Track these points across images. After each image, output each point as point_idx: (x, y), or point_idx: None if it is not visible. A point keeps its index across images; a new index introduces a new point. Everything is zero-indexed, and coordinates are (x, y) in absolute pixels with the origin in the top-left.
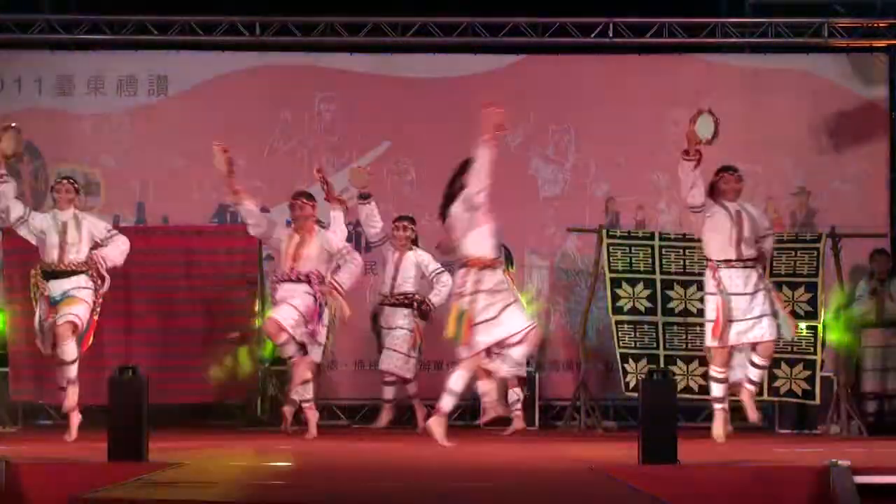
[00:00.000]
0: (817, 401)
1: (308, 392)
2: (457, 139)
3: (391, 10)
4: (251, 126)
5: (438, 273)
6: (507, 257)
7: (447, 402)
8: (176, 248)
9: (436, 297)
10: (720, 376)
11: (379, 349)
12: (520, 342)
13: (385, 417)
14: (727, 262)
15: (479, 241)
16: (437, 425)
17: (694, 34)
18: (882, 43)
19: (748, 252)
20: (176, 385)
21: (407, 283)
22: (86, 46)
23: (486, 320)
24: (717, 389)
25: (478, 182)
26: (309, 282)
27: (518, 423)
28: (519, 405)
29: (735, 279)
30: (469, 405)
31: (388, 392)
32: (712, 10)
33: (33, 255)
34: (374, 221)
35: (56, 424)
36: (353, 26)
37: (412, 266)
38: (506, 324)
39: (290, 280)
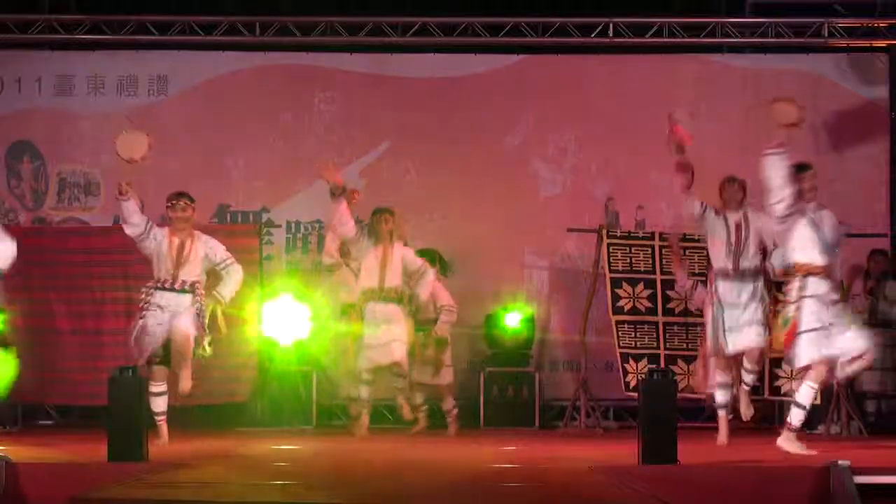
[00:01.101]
0: (817, 401)
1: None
2: (456, 139)
3: (391, 9)
4: (251, 126)
5: (423, 270)
6: (441, 263)
7: (796, 416)
8: None
9: (422, 295)
10: (722, 380)
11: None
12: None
13: (366, 421)
14: (724, 273)
15: (803, 248)
16: (788, 441)
17: (694, 34)
18: (882, 43)
19: (745, 264)
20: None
21: (395, 279)
22: (86, 46)
23: (814, 329)
24: (719, 395)
25: (775, 194)
26: (193, 293)
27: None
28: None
29: (731, 291)
30: (468, 406)
31: (366, 392)
32: (712, 10)
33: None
34: (345, 222)
35: (56, 425)
36: (353, 26)
37: (399, 262)
38: (844, 342)
39: (173, 289)
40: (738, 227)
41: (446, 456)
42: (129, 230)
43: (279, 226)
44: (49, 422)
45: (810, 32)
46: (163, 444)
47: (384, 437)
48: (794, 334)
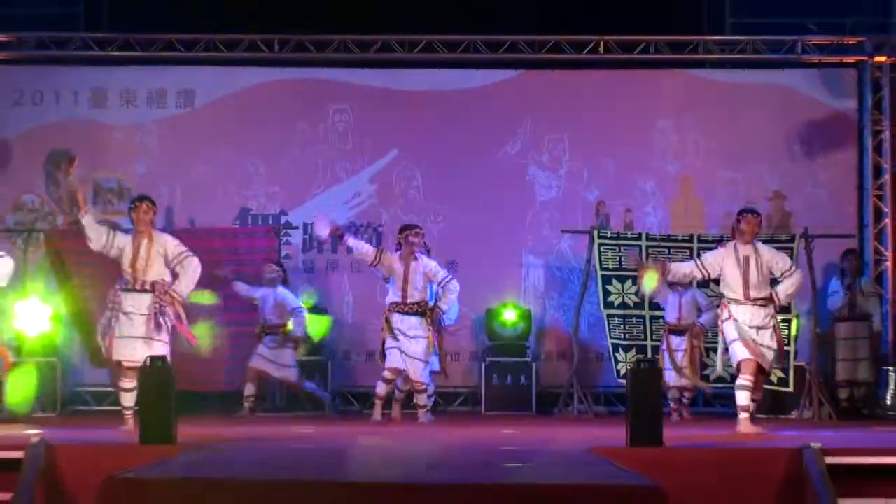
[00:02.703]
0: (791, 388)
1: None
2: (459, 147)
3: (399, 28)
4: (270, 136)
5: (448, 281)
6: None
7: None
8: (202, 248)
9: (444, 304)
10: (748, 383)
11: (383, 348)
12: None
13: (378, 412)
14: (736, 301)
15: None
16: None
17: (678, 51)
18: (851, 59)
19: (756, 293)
20: (205, 376)
21: (417, 293)
22: (119, 62)
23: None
24: (742, 398)
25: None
26: (154, 292)
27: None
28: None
29: (744, 313)
30: (471, 393)
31: (383, 388)
32: (695, 28)
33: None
34: (364, 251)
35: (92, 410)
36: (365, 44)
37: (421, 276)
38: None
39: (135, 290)
40: (745, 261)
41: (450, 439)
42: (91, 245)
43: (296, 228)
44: (86, 407)
45: (785, 49)
46: (128, 430)
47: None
48: None
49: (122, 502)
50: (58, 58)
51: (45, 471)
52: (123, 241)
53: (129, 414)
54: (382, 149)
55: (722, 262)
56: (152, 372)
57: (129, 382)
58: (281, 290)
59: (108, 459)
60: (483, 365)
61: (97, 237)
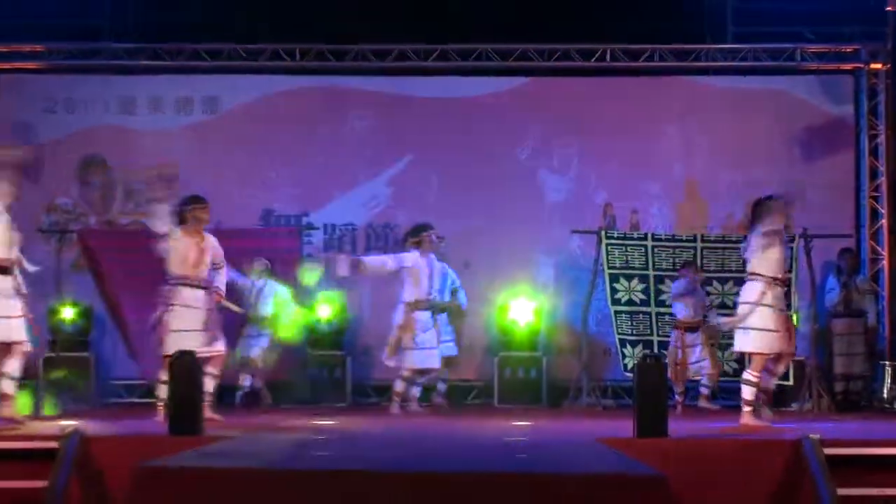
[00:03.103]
0: (791, 381)
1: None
2: (472, 151)
3: (414, 38)
4: (292, 140)
5: (459, 286)
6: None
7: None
8: (228, 248)
9: (463, 301)
10: (755, 380)
11: (397, 345)
12: None
13: (396, 407)
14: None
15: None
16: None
17: (682, 59)
18: (848, 66)
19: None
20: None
21: (436, 290)
22: (146, 71)
23: None
24: (748, 393)
25: None
26: (208, 288)
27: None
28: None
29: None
30: (484, 386)
31: (402, 386)
32: (698, 37)
33: None
34: (381, 264)
35: (124, 402)
36: (381, 53)
37: (440, 275)
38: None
39: (191, 286)
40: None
41: (464, 430)
42: (159, 228)
43: (317, 228)
44: (119, 399)
45: (784, 57)
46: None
47: (410, 414)
48: None
49: (152, 490)
50: (87, 67)
51: (80, 460)
52: (180, 236)
53: (161, 405)
54: (398, 153)
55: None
56: (181, 365)
57: (214, 369)
58: (271, 282)
59: (139, 449)
60: (496, 359)
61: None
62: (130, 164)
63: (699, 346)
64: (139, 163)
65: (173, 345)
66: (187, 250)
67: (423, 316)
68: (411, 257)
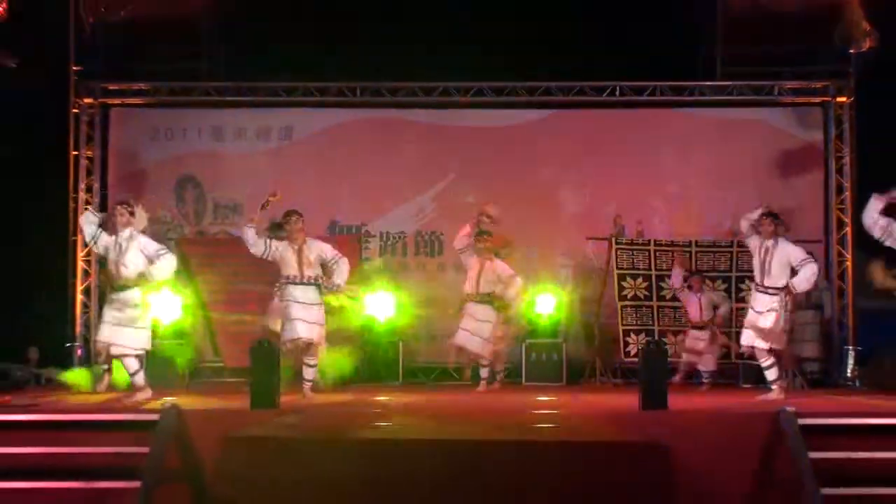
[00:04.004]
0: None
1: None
2: (504, 172)
3: (455, 77)
4: (353, 162)
5: (512, 277)
6: None
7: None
8: None
9: (510, 296)
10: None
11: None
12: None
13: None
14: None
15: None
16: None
17: (679, 94)
18: (818, 100)
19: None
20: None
21: (488, 286)
22: (232, 105)
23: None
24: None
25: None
26: (316, 285)
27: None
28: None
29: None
30: (514, 367)
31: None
32: (692, 74)
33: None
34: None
35: (212, 382)
36: (428, 89)
37: (493, 273)
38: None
39: (301, 283)
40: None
41: (495, 403)
42: (251, 250)
43: (374, 236)
44: (206, 379)
45: (765, 92)
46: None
47: (449, 391)
48: None
49: (237, 456)
50: (184, 102)
51: (176, 430)
52: (282, 247)
53: (308, 384)
54: (442, 173)
55: None
56: (261, 351)
57: (312, 359)
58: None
59: (225, 421)
60: (523, 346)
61: (258, 245)
62: (218, 183)
63: (705, 340)
64: (226, 182)
65: (285, 333)
66: (289, 255)
67: (472, 307)
68: (468, 261)
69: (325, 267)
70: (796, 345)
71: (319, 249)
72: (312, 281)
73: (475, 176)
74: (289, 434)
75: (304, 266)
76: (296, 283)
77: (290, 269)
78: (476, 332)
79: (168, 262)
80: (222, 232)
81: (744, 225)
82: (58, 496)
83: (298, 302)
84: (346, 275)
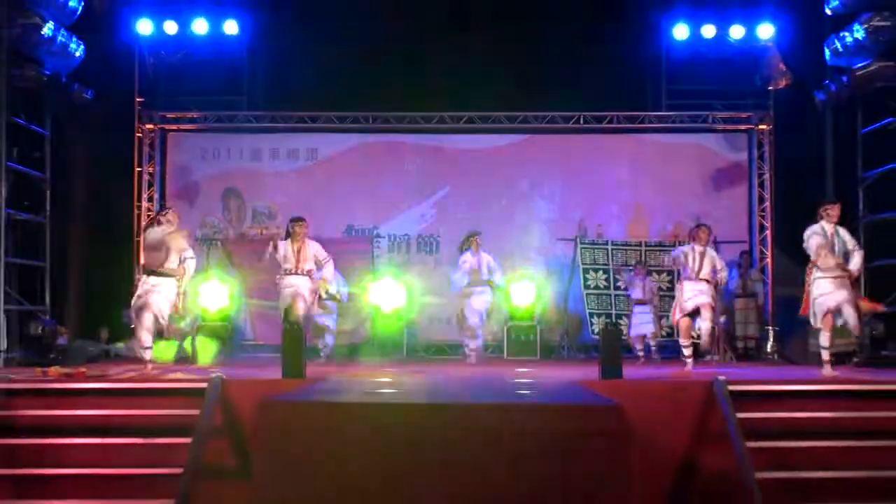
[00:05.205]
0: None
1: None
2: (489, 185)
3: (449, 107)
4: (366, 178)
5: (497, 268)
6: None
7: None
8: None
9: (499, 281)
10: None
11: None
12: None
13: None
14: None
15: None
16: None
17: (631, 121)
18: (744, 127)
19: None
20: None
21: (486, 274)
22: (269, 130)
23: None
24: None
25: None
26: (309, 275)
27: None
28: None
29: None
30: (497, 345)
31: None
32: (643, 106)
33: None
34: (459, 278)
35: (250, 357)
36: (427, 117)
37: (486, 262)
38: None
39: (296, 274)
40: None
41: (478, 375)
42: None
43: (383, 237)
44: (245, 355)
45: (701, 120)
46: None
47: (449, 363)
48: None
49: (272, 417)
50: (228, 128)
51: (221, 396)
52: (284, 246)
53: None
54: (439, 185)
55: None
56: (289, 329)
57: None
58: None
59: (261, 388)
60: (505, 327)
61: (273, 257)
62: (257, 194)
63: (648, 314)
64: (262, 193)
65: (288, 310)
66: (289, 253)
67: (475, 288)
68: (467, 258)
69: (317, 264)
70: (740, 325)
71: (315, 249)
72: (305, 273)
73: (466, 188)
74: (314, 399)
75: (301, 261)
76: (292, 274)
77: (289, 263)
78: (477, 305)
79: (190, 264)
80: (260, 234)
81: (668, 259)
82: (123, 450)
83: (293, 286)
84: (331, 272)
